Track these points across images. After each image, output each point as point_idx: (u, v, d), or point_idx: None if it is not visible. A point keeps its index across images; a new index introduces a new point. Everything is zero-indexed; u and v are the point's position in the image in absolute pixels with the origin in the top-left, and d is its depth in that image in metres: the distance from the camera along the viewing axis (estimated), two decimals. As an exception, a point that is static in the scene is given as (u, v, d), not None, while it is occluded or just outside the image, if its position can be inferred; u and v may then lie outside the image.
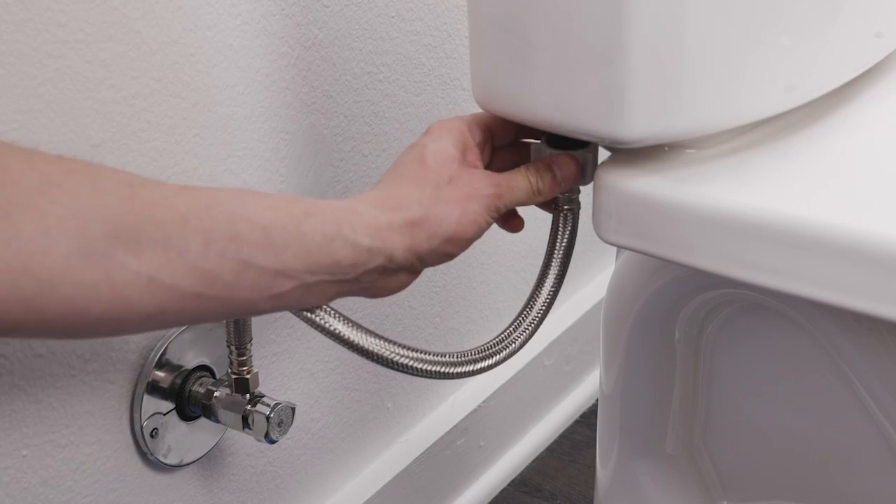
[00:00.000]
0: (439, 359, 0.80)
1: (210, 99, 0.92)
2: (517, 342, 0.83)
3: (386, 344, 0.79)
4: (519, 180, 0.78)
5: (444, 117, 1.17)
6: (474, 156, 0.79)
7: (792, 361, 0.89)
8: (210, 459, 1.01)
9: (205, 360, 0.97)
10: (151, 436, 0.93)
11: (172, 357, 0.94)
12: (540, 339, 1.42)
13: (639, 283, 0.91)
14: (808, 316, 0.84)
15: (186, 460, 0.98)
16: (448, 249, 0.75)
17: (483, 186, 0.76)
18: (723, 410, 0.96)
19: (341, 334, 0.78)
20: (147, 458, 0.94)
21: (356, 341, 0.78)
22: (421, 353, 0.80)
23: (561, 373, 1.48)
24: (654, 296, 0.90)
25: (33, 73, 0.78)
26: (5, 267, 0.61)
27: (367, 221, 0.72)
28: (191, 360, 0.96)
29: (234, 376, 0.94)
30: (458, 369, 0.81)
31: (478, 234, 0.76)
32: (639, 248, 0.78)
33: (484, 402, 1.34)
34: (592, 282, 1.53)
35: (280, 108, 0.99)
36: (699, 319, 0.91)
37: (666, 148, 0.78)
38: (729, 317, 0.90)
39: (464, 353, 0.81)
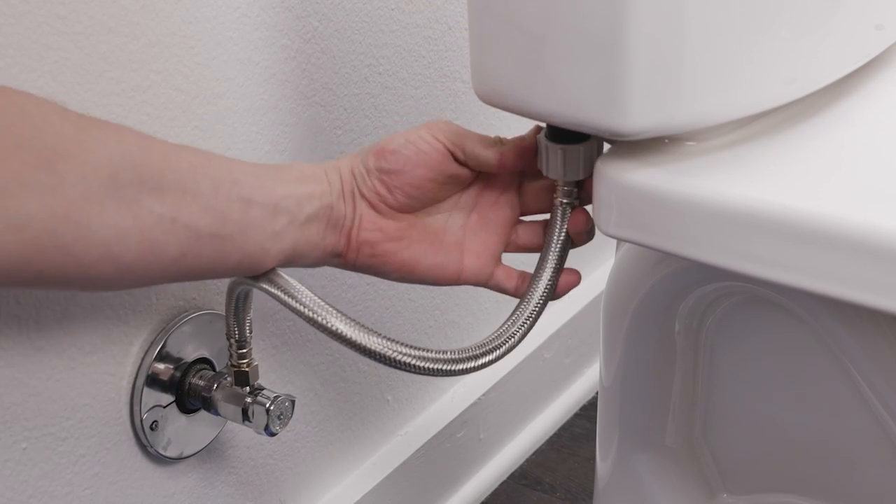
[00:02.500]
0: (440, 356, 0.80)
1: (210, 91, 0.92)
2: (515, 337, 0.83)
3: (387, 342, 0.79)
4: (480, 136, 0.82)
5: (444, 110, 1.17)
6: (449, 156, 0.83)
7: (792, 354, 0.89)
8: (210, 452, 1.01)
9: (205, 353, 0.97)
10: (151, 428, 0.93)
11: (172, 350, 0.94)
12: (540, 332, 1.42)
13: (639, 276, 0.91)
14: (809, 308, 0.84)
15: (186, 453, 0.98)
16: (377, 161, 0.80)
17: (444, 123, 0.82)
18: (723, 403, 0.96)
19: (342, 333, 0.78)
20: (147, 450, 0.94)
21: (356, 340, 0.78)
22: (422, 350, 0.80)
23: (561, 365, 1.48)
24: (654, 288, 0.90)
25: (32, 66, 0.78)
26: (48, 213, 0.65)
27: (326, 163, 0.82)
28: (191, 353, 0.96)
29: (233, 369, 0.94)
30: (459, 366, 0.81)
31: (407, 147, 0.80)
32: (638, 241, 0.78)
33: (484, 394, 1.34)
34: (592, 274, 1.53)
35: (280, 101, 0.99)
36: (699, 312, 0.91)
37: (666, 140, 0.78)
38: (729, 309, 0.90)
39: (464, 350, 0.82)
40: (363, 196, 0.81)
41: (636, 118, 0.72)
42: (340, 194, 0.80)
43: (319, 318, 0.79)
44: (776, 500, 0.97)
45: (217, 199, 0.74)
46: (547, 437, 1.46)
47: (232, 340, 0.93)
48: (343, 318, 0.79)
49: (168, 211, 0.71)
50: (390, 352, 0.79)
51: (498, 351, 0.83)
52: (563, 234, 0.83)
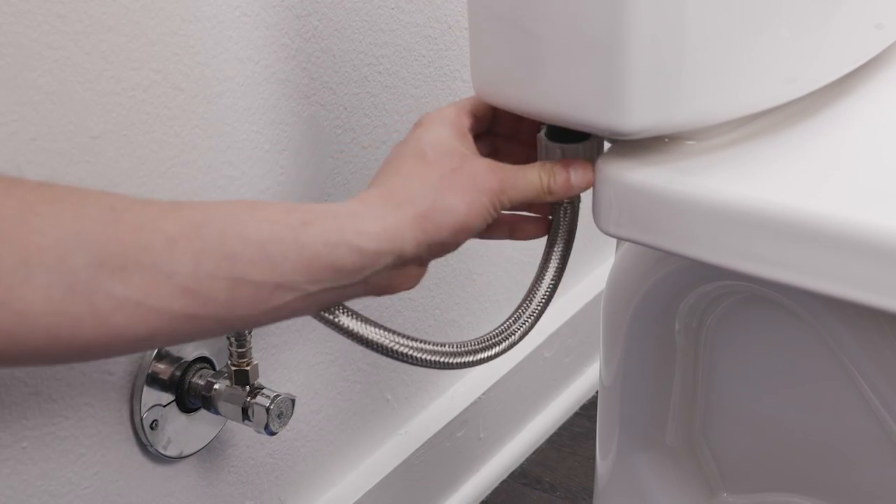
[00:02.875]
0: (439, 349, 0.80)
1: (210, 90, 0.92)
2: (517, 334, 0.83)
3: (386, 333, 0.78)
4: (529, 175, 0.77)
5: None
6: (470, 143, 0.78)
7: (792, 353, 0.89)
8: (210, 451, 1.01)
9: (204, 352, 0.97)
10: (151, 427, 0.93)
11: (172, 349, 0.94)
12: (540, 331, 1.42)
13: (639, 275, 0.91)
14: (809, 307, 0.84)
15: (186, 452, 0.98)
16: (456, 240, 0.74)
17: (487, 179, 0.74)
18: (723, 402, 0.96)
19: (342, 324, 0.77)
20: (147, 449, 0.94)
21: (357, 331, 0.78)
22: (420, 342, 0.79)
23: (561, 364, 1.48)
24: (654, 287, 0.90)
25: (33, 65, 0.78)
26: None
27: (371, 224, 0.70)
28: (190, 352, 0.96)
29: (233, 368, 0.94)
30: (458, 359, 0.81)
31: (482, 226, 0.75)
32: (639, 240, 0.78)
33: (484, 393, 1.34)
34: (592, 273, 1.53)
35: (280, 100, 0.99)
36: (699, 311, 0.91)
37: (666, 139, 0.78)
38: (729, 308, 0.90)
39: (463, 344, 0.81)
40: (416, 262, 0.74)
41: (636, 117, 0.72)
42: (382, 270, 0.71)
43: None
44: (776, 499, 0.97)
45: (198, 278, 0.64)
46: (547, 436, 1.46)
47: (231, 339, 0.94)
48: (344, 309, 0.78)
49: (132, 294, 0.62)
50: (390, 343, 0.78)
51: (498, 347, 0.83)
52: (564, 233, 0.83)
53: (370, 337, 0.78)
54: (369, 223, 0.70)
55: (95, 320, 0.62)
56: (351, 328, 0.77)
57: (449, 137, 0.76)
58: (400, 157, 0.76)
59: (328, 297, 0.71)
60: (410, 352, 0.79)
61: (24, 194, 0.62)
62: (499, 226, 0.81)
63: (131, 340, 0.64)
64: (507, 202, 0.76)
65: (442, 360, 0.80)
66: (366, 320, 0.78)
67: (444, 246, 0.74)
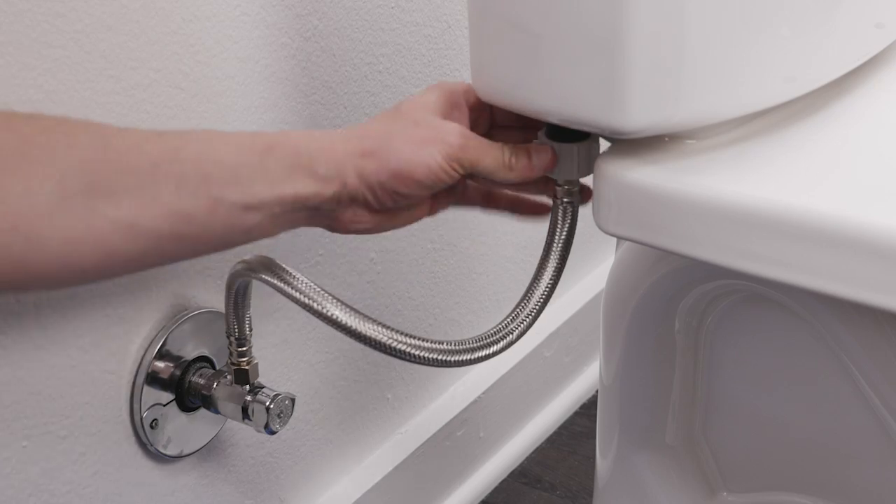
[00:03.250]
0: (436, 346, 0.80)
1: (209, 90, 0.92)
2: (515, 333, 0.83)
3: (384, 330, 0.79)
4: (492, 147, 0.78)
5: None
6: (461, 116, 0.79)
7: (792, 352, 0.89)
8: (210, 450, 1.01)
9: (205, 351, 0.97)
10: (151, 427, 0.93)
11: (172, 348, 0.94)
12: (540, 331, 1.42)
13: (638, 274, 0.91)
14: (808, 306, 0.84)
15: (186, 451, 0.98)
16: (396, 186, 0.76)
17: (449, 135, 0.76)
18: (723, 401, 0.96)
19: (339, 320, 0.78)
20: (147, 448, 0.94)
21: (355, 327, 0.78)
22: (418, 339, 0.80)
23: (561, 364, 1.48)
24: (654, 287, 0.90)
25: (32, 64, 0.78)
26: None
27: (324, 150, 0.75)
28: (190, 351, 0.96)
29: (233, 367, 0.94)
30: (456, 357, 0.81)
31: (429, 179, 0.76)
32: (638, 239, 0.78)
33: (484, 392, 1.34)
34: (592, 273, 1.53)
35: (280, 99, 0.99)
36: (699, 310, 0.91)
37: (666, 138, 0.78)
38: (729, 308, 0.90)
39: (462, 342, 0.81)
40: (362, 202, 0.77)
41: (636, 116, 0.72)
42: (336, 199, 0.75)
43: (317, 306, 0.79)
44: (776, 498, 0.97)
45: (180, 199, 0.70)
46: (547, 436, 1.46)
47: (232, 338, 0.94)
48: (341, 305, 0.79)
49: (124, 216, 0.68)
50: (388, 339, 0.79)
51: (496, 346, 0.83)
52: (564, 233, 0.83)
53: (368, 334, 0.78)
54: (323, 149, 0.75)
55: (93, 242, 0.67)
56: (349, 325, 0.78)
57: (433, 99, 0.79)
58: (383, 111, 0.80)
59: (290, 219, 0.75)
60: (408, 349, 0.79)
61: (19, 127, 0.67)
62: (499, 199, 0.85)
63: (125, 261, 0.70)
64: (468, 164, 0.77)
65: (440, 357, 0.80)
66: (364, 317, 0.78)
67: (384, 189, 0.76)
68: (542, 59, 0.74)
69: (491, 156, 0.78)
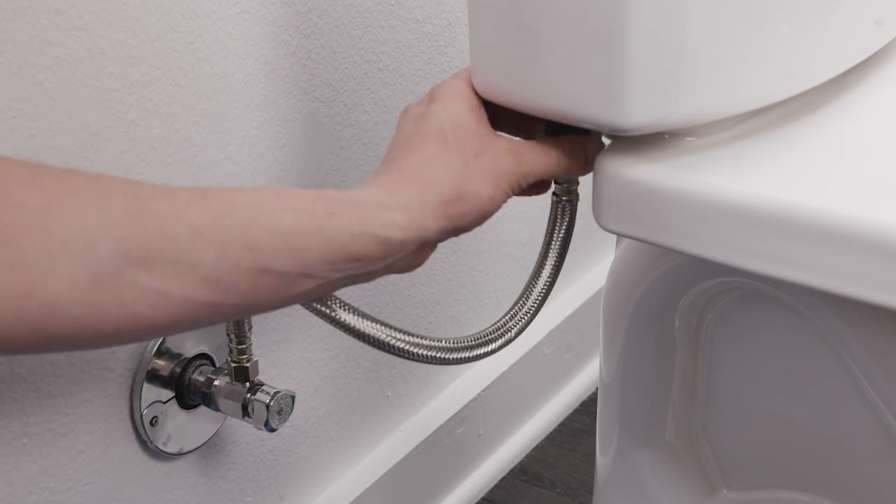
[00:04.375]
0: (435, 344, 0.80)
1: (209, 87, 0.92)
2: (513, 331, 0.83)
3: (382, 327, 0.78)
4: (547, 158, 0.77)
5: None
6: (484, 118, 0.77)
7: (792, 350, 0.89)
8: (210, 448, 1.01)
9: (204, 349, 0.97)
10: (151, 424, 0.93)
11: (172, 345, 0.94)
12: (540, 328, 1.42)
13: (638, 272, 0.91)
14: (809, 304, 0.84)
15: (186, 448, 0.98)
16: (477, 225, 0.74)
17: (508, 163, 0.74)
18: (723, 399, 0.96)
19: (338, 317, 0.77)
20: (147, 446, 0.94)
21: (353, 325, 0.78)
22: (417, 337, 0.79)
23: (561, 361, 1.48)
24: (654, 284, 0.90)
25: (32, 61, 0.78)
26: (8, 292, 0.59)
27: (398, 215, 0.70)
28: (190, 349, 0.96)
29: (233, 364, 0.94)
30: (454, 355, 0.81)
31: (503, 203, 0.75)
32: (638, 237, 0.78)
33: (484, 390, 1.34)
34: (592, 270, 1.53)
35: (280, 97, 0.99)
36: (699, 308, 0.91)
37: (666, 136, 0.78)
38: (729, 305, 0.90)
39: (460, 340, 0.81)
40: (434, 244, 0.74)
41: (636, 113, 0.72)
42: (405, 257, 0.72)
43: (317, 303, 0.78)
44: (776, 495, 0.97)
45: (221, 268, 0.64)
46: (547, 433, 1.46)
47: (231, 336, 0.94)
48: (341, 303, 0.78)
49: (156, 284, 0.63)
50: (386, 337, 0.78)
51: (494, 344, 0.83)
52: (562, 232, 0.83)
53: (366, 331, 0.78)
54: (396, 214, 0.70)
55: (120, 310, 0.62)
56: (348, 322, 0.78)
57: (467, 115, 0.75)
58: (419, 135, 0.75)
59: (348, 282, 0.71)
60: (407, 346, 0.79)
61: (47, 184, 0.62)
62: None
63: (154, 328, 0.64)
64: (525, 184, 0.76)
65: (438, 355, 0.80)
66: (363, 315, 0.78)
67: (464, 230, 0.74)
68: (541, 56, 0.74)
69: (545, 165, 0.77)
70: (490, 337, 0.83)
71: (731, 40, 0.74)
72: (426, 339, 0.80)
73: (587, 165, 0.79)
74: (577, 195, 0.83)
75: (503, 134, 0.77)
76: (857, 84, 0.85)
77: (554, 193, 0.83)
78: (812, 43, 0.80)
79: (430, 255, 0.75)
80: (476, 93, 0.78)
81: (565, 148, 0.78)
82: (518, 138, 0.79)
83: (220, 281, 0.64)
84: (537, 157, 0.77)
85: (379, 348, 0.79)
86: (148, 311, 0.63)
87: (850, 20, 0.83)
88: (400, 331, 0.79)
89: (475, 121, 0.76)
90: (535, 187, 0.81)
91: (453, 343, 0.81)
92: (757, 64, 0.77)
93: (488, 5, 0.75)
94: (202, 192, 0.67)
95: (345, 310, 0.78)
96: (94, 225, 0.61)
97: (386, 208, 0.70)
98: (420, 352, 0.79)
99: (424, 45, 1.14)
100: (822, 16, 0.80)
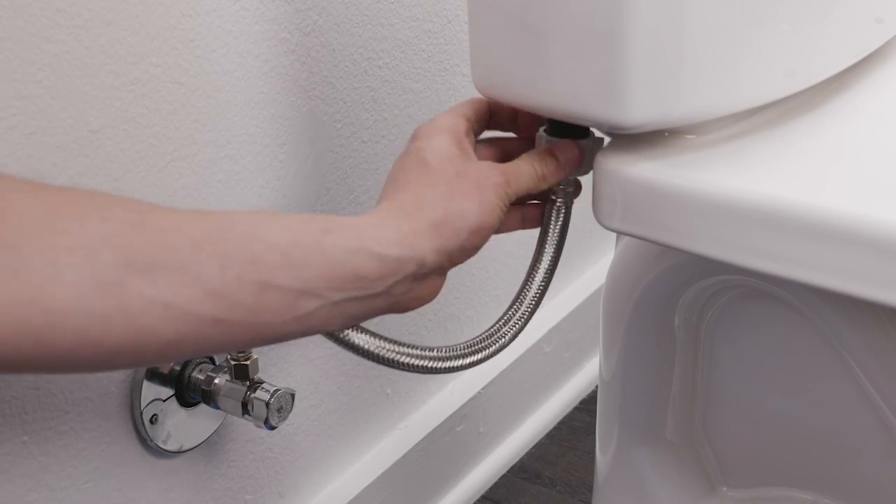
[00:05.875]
0: (426, 353, 0.79)
1: (209, 85, 0.92)
2: (507, 336, 0.83)
3: (371, 338, 0.77)
4: (523, 167, 0.78)
5: (443, 104, 1.17)
6: (470, 147, 0.78)
7: (792, 347, 0.89)
8: (210, 446, 1.01)
9: (204, 347, 0.97)
10: (151, 422, 0.93)
11: (172, 343, 0.94)
12: (539, 326, 1.42)
13: (638, 270, 0.91)
14: (808, 302, 0.84)
15: (186, 446, 0.98)
16: (474, 242, 0.74)
17: (491, 175, 0.75)
18: (722, 397, 0.96)
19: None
20: (147, 444, 0.94)
21: (343, 336, 0.76)
22: (408, 347, 0.78)
23: (560, 359, 1.48)
24: (654, 282, 0.90)
25: (32, 59, 0.78)
26: (13, 299, 0.59)
27: (390, 232, 0.71)
28: (190, 347, 0.96)
29: (233, 363, 0.94)
30: (446, 364, 0.80)
31: (497, 223, 0.75)
32: (638, 234, 0.78)
33: (483, 388, 1.34)
34: (592, 269, 1.53)
35: (279, 94, 0.99)
36: (699, 306, 0.91)
37: (666, 133, 0.78)
38: (729, 303, 0.90)
39: (452, 349, 0.80)
40: (438, 271, 0.74)
41: (636, 111, 0.72)
42: (413, 277, 0.72)
43: None
44: (775, 493, 0.97)
45: (224, 281, 0.65)
46: (546, 431, 1.46)
47: (232, 334, 0.93)
48: None
49: (161, 295, 0.62)
50: (374, 348, 0.77)
51: (487, 350, 0.82)
52: (556, 232, 0.83)
53: (355, 342, 0.76)
54: (388, 231, 0.71)
55: (124, 321, 0.62)
56: (337, 333, 0.76)
57: (447, 143, 0.76)
58: (403, 169, 0.76)
59: (353, 308, 0.70)
60: (396, 357, 0.77)
61: (49, 196, 0.62)
62: (509, 218, 0.81)
63: (161, 344, 0.64)
64: (513, 195, 0.76)
65: (429, 364, 0.79)
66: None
67: (463, 250, 0.74)
68: (541, 54, 0.74)
69: (526, 175, 0.78)
70: (483, 345, 0.82)
71: (731, 38, 0.74)
72: (417, 348, 0.78)
73: (573, 169, 0.80)
74: (572, 196, 0.83)
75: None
76: (857, 82, 0.85)
77: (548, 195, 0.82)
78: (812, 41, 0.80)
79: (438, 286, 0.75)
80: (460, 124, 0.78)
81: (535, 158, 0.79)
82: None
83: (223, 294, 0.65)
84: (522, 167, 0.77)
85: (368, 359, 0.77)
86: (152, 323, 0.63)
87: (849, 18, 0.83)
88: (390, 341, 0.77)
89: (458, 149, 0.76)
90: (538, 209, 0.82)
91: (445, 352, 0.80)
92: (757, 62, 0.77)
93: (489, 3, 0.75)
94: (200, 211, 0.68)
95: None
96: (96, 235, 0.62)
97: (378, 227, 0.71)
98: (410, 361, 0.78)
99: (424, 43, 1.14)
100: (822, 14, 0.80)
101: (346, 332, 0.75)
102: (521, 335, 0.84)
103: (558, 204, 0.82)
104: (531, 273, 0.83)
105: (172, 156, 0.90)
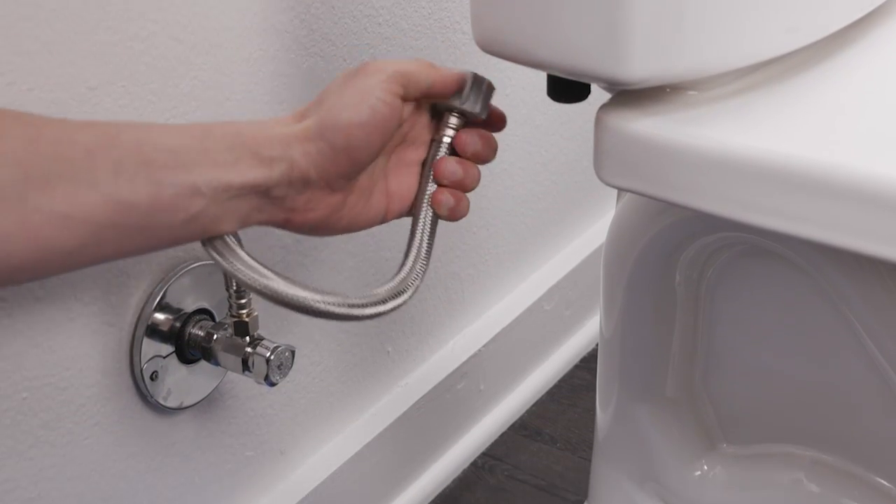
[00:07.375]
0: (338, 300, 0.77)
1: (208, 41, 0.91)
2: (417, 281, 0.80)
3: (282, 281, 0.76)
4: (412, 65, 0.76)
5: (444, 61, 1.17)
6: (396, 91, 0.76)
7: (792, 304, 0.89)
8: (210, 402, 1.02)
9: (204, 304, 0.97)
10: (151, 378, 0.94)
11: (172, 300, 0.94)
12: (540, 284, 1.42)
13: (639, 227, 0.91)
14: (810, 259, 0.84)
15: (186, 403, 0.98)
16: (344, 141, 0.73)
17: (376, 69, 0.74)
18: (723, 354, 0.96)
19: (232, 268, 0.75)
20: (147, 400, 0.95)
21: (245, 278, 0.76)
22: (319, 293, 0.77)
23: (561, 317, 1.48)
24: (655, 239, 0.90)
25: (29, 15, 0.78)
26: None
27: (268, 133, 0.72)
28: (190, 304, 0.96)
29: (233, 319, 0.94)
30: (360, 311, 0.78)
31: (373, 118, 0.73)
32: (639, 190, 0.77)
33: (484, 346, 1.34)
34: (593, 227, 1.53)
35: (279, 51, 0.98)
36: (700, 263, 0.91)
37: (668, 89, 0.77)
38: (730, 260, 0.90)
39: (365, 296, 0.78)
40: (315, 180, 0.74)
41: (638, 66, 0.72)
42: (286, 180, 0.72)
43: (212, 250, 0.75)
44: (775, 450, 0.97)
45: (118, 186, 0.67)
46: (547, 389, 1.47)
47: (231, 290, 0.93)
48: (235, 249, 0.75)
49: (58, 206, 0.65)
50: (284, 289, 0.77)
51: (402, 297, 0.79)
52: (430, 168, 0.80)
53: (262, 285, 0.76)
54: (266, 133, 0.72)
55: (26, 235, 0.64)
56: (240, 275, 0.76)
57: (374, 80, 0.75)
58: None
59: (241, 208, 0.72)
60: (310, 303, 0.77)
61: None
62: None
63: (62, 254, 0.66)
64: (403, 80, 0.75)
65: (341, 311, 0.77)
66: (263, 266, 0.76)
67: (335, 152, 0.73)
68: (542, 10, 0.73)
69: (415, 68, 0.76)
70: (396, 290, 0.79)
71: (733, -7, 0.74)
72: (333, 294, 0.77)
73: (451, 84, 0.78)
74: (451, 136, 0.79)
75: None
76: (861, 38, 0.85)
77: (443, 123, 0.79)
78: (815, -4, 0.80)
79: (330, 204, 0.74)
80: (397, 81, 0.76)
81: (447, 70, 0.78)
82: None
83: (119, 199, 0.67)
84: (419, 66, 0.76)
85: (276, 303, 0.77)
86: (54, 234, 0.65)
87: (853, -27, 0.83)
88: (304, 287, 0.76)
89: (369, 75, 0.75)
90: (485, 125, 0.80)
91: (358, 299, 0.77)
92: (759, 17, 0.76)
93: (489, -43, 0.75)
94: (90, 120, 0.71)
95: (240, 262, 0.75)
96: None
97: (259, 129, 0.73)
98: (323, 308, 0.77)
99: (424, 1, 1.13)
100: (826, -32, 0.80)
101: (249, 273, 0.75)
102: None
103: (445, 142, 0.80)
104: (415, 219, 0.81)
105: (171, 113, 0.90)
